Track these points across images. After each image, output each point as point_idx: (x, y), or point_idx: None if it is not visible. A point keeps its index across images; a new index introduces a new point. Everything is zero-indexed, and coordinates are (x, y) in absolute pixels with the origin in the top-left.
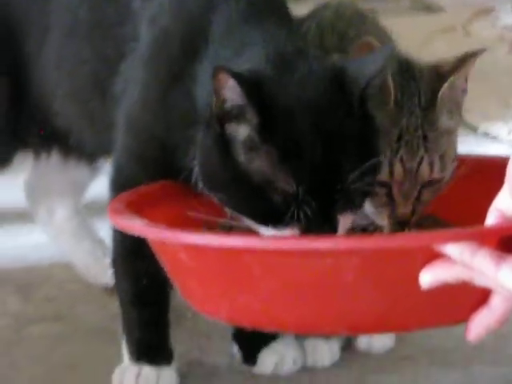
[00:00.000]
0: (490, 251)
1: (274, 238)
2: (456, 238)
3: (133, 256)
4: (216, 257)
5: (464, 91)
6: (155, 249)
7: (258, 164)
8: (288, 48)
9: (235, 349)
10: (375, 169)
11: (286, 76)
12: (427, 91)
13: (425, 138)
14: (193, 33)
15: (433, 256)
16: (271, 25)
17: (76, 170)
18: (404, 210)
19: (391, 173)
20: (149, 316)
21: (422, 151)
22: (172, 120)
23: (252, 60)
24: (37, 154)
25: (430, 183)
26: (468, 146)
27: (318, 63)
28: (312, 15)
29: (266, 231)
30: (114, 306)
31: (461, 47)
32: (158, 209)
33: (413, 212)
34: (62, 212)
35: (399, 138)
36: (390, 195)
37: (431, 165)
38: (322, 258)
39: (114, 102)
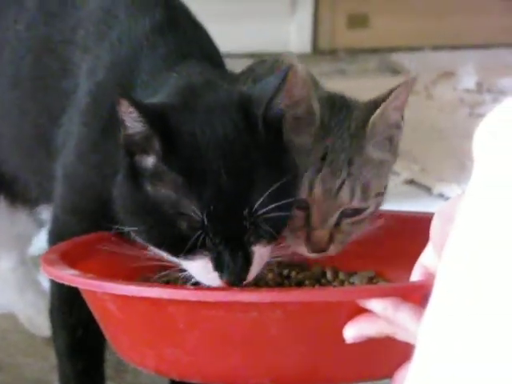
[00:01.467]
0: (413, 307)
1: (199, 289)
2: (380, 294)
3: (68, 306)
4: (141, 308)
5: (399, 127)
6: (86, 298)
7: (164, 192)
8: (199, 80)
9: None
10: (286, 193)
11: (191, 105)
12: (359, 118)
13: (349, 162)
14: (122, 83)
15: (357, 311)
16: (192, 64)
17: (21, 221)
18: (320, 233)
19: (310, 191)
20: (83, 367)
21: (344, 174)
22: (105, 170)
23: (163, 95)
24: None
25: (351, 212)
26: (423, 206)
27: (226, 92)
28: (247, 70)
29: (181, 263)
30: (55, 358)
31: (422, 109)
32: (93, 259)
33: (330, 239)
34: (6, 263)
35: (323, 158)
36: (307, 219)
37: (352, 191)
38: (245, 311)
39: (56, 154)
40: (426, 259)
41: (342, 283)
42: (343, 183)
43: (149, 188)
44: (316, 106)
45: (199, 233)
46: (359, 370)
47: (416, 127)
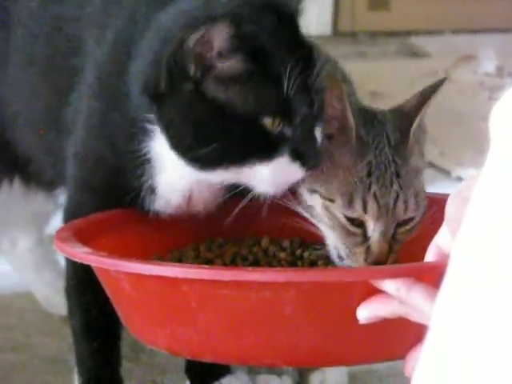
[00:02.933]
0: (426, 287)
1: (212, 268)
2: (393, 274)
3: (82, 285)
4: (154, 286)
5: (425, 131)
6: (99, 277)
7: (246, 92)
8: None
9: (187, 383)
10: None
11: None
12: (395, 130)
13: (397, 174)
14: (120, 50)
15: (370, 291)
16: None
17: (38, 201)
18: (381, 248)
19: (365, 209)
20: (99, 346)
21: (396, 187)
22: (115, 140)
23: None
24: None
25: (405, 222)
26: (441, 189)
27: None
28: None
29: (261, 170)
30: (72, 336)
31: (442, 92)
32: (107, 237)
33: (390, 251)
34: (24, 242)
35: (369, 174)
36: (365, 234)
37: (406, 202)
38: (259, 290)
39: (66, 133)
40: (441, 240)
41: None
42: (397, 197)
43: (227, 95)
44: (351, 123)
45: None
46: (372, 350)
47: (436, 110)
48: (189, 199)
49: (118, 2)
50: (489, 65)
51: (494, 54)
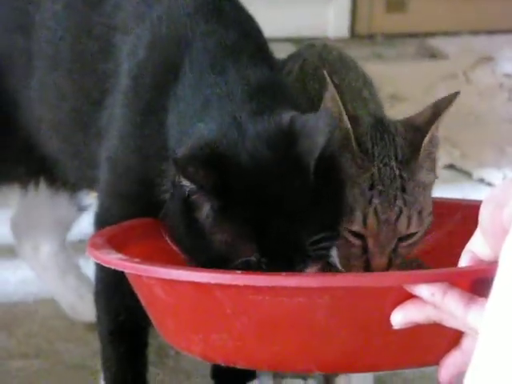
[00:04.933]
0: (461, 293)
1: (246, 274)
2: (427, 279)
3: (112, 291)
4: (189, 292)
5: (436, 144)
6: (132, 283)
7: (221, 237)
8: (244, 109)
9: None
10: (332, 236)
11: (240, 147)
12: (405, 144)
13: (403, 189)
14: (166, 67)
15: (404, 296)
16: (236, 74)
17: (62, 206)
18: (379, 262)
19: (365, 223)
20: (126, 352)
21: (400, 203)
22: (147, 153)
23: (211, 123)
24: (23, 186)
25: (407, 237)
26: (463, 191)
27: (270, 129)
28: (296, 55)
29: None
30: (96, 343)
31: (461, 94)
32: (139, 244)
33: (389, 264)
34: (47, 248)
35: (371, 187)
36: (364, 247)
37: (409, 218)
38: (293, 296)
39: (99, 138)
40: (475, 245)
41: None
42: (401, 212)
43: (204, 229)
44: (347, 124)
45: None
46: (406, 356)
47: (455, 112)
48: None
49: (151, 6)
50: (507, 66)
51: None
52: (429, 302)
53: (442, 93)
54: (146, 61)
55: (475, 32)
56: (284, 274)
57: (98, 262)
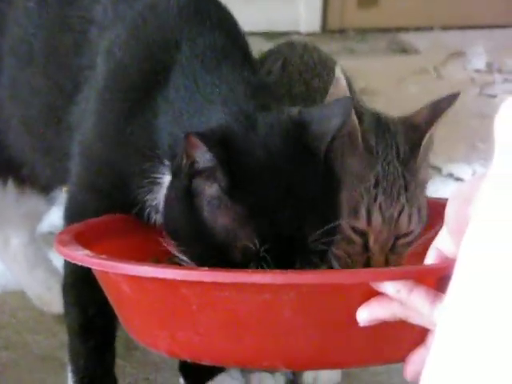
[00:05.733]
0: (426, 290)
1: (212, 271)
2: (393, 276)
3: (81, 285)
4: (154, 289)
5: (432, 143)
6: (99, 279)
7: (223, 221)
8: (250, 103)
9: (181, 380)
10: (335, 230)
11: (251, 134)
12: (405, 143)
13: (406, 188)
14: (154, 67)
15: (370, 293)
16: (232, 73)
17: (32, 199)
18: (379, 260)
19: (369, 220)
20: (94, 345)
21: (403, 200)
22: (128, 152)
23: (216, 116)
24: None
25: (405, 234)
26: (433, 186)
27: (280, 119)
28: (274, 53)
29: None
30: (64, 334)
31: (432, 89)
32: (107, 241)
33: (386, 262)
34: (16, 240)
35: (376, 185)
36: (365, 245)
37: (410, 216)
38: (259, 292)
39: (70, 133)
40: (441, 242)
41: None
42: (402, 210)
43: (206, 213)
44: (357, 129)
45: (252, 262)
46: (372, 353)
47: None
48: None
49: (132, 6)
50: (478, 61)
51: (483, 51)
52: (395, 299)
53: (412, 88)
54: (125, 60)
55: (447, 27)
56: (250, 270)
57: (66, 258)
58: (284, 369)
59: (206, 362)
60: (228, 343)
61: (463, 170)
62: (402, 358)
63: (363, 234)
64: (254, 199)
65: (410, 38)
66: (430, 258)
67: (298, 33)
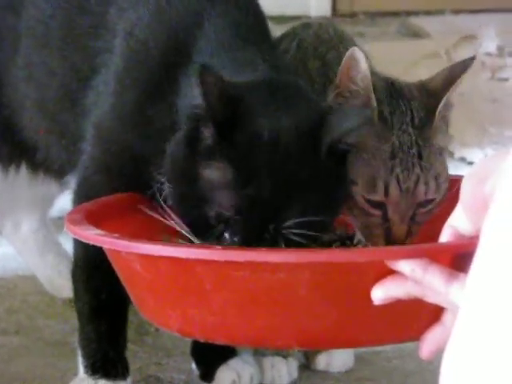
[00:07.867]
0: (442, 268)
1: (226, 249)
2: (408, 255)
3: (92, 268)
4: (168, 268)
5: (451, 106)
6: (110, 259)
7: (208, 174)
8: (276, 78)
9: (193, 365)
10: (318, 227)
11: (264, 107)
12: (420, 109)
13: (420, 156)
14: (176, 48)
15: (385, 272)
16: (254, 53)
17: (44, 184)
18: (399, 230)
19: (386, 192)
20: (106, 329)
21: (417, 170)
22: (148, 132)
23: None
24: (5, 167)
25: (425, 203)
26: None
27: (307, 102)
28: (290, 34)
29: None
30: (75, 319)
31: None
32: (118, 220)
33: (408, 232)
34: (27, 225)
35: (393, 156)
36: (385, 216)
37: (427, 184)
38: (273, 271)
39: (85, 115)
40: (456, 220)
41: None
42: (418, 179)
43: (197, 161)
44: (374, 103)
45: (221, 226)
46: (386, 332)
47: None
48: None
49: None
50: (490, 45)
51: (494, 34)
52: (409, 278)
53: (423, 72)
54: (147, 41)
55: (458, 11)
56: (264, 249)
57: (77, 237)
58: (298, 348)
59: (218, 341)
60: (241, 322)
61: (475, 154)
62: (417, 337)
63: (381, 206)
64: (243, 165)
65: (420, 22)
66: (445, 236)
67: (308, 17)
